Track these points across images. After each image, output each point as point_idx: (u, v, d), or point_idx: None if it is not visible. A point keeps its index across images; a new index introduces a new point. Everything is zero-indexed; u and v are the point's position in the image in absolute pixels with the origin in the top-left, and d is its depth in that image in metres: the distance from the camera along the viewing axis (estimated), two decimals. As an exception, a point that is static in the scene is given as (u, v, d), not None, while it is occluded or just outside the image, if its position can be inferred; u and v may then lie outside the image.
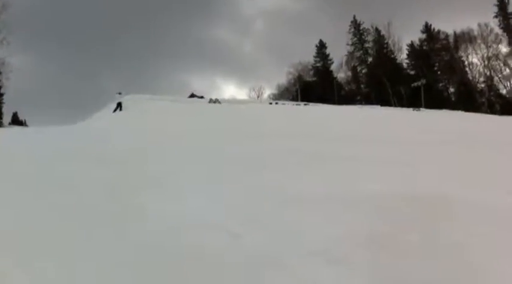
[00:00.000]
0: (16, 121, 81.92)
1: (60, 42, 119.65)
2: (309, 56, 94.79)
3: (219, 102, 42.46)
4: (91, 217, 5.33)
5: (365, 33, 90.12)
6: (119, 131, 18.21)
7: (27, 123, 79.18)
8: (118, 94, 35.68)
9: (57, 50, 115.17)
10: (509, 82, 75.73)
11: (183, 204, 6.01)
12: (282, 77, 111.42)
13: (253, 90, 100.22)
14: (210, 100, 44.25)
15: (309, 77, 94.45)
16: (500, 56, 76.16)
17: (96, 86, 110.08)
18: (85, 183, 7.29)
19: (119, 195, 6.51)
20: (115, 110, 32.98)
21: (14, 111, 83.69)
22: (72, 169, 8.48)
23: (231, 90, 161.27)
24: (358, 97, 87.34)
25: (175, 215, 5.45)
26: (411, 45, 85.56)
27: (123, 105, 33.49)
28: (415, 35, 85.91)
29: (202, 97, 52.17)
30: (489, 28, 76.92)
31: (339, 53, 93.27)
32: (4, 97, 62.24)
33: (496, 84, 77.77)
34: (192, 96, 53.57)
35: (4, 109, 64.86)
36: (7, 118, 71.51)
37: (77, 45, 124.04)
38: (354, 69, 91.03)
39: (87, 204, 5.92)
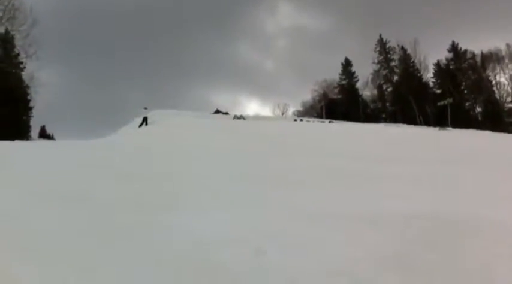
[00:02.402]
0: (44, 135, 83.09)
1: (86, 57, 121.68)
2: (333, 74, 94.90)
3: (244, 119, 42.63)
4: (116, 232, 5.39)
5: (391, 52, 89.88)
6: (145, 147, 18.38)
7: (55, 136, 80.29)
8: (144, 109, 36.06)
9: (83, 65, 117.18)
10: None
11: (209, 220, 6.05)
12: (306, 94, 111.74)
13: (278, 106, 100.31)
14: (235, 117, 44.48)
15: (334, 95, 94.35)
16: (528, 76, 75.18)
17: (121, 100, 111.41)
18: (110, 199, 7.36)
19: (145, 210, 6.58)
20: (141, 125, 33.31)
21: (42, 124, 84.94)
22: (98, 185, 8.58)
23: (253, 106, 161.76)
24: (384, 116, 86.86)
25: (200, 231, 5.48)
26: (437, 64, 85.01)
27: (149, 120, 33.82)
28: (442, 54, 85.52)
29: (227, 113, 52.41)
30: (517, 48, 76.04)
31: (364, 71, 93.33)
32: (33, 111, 63.26)
33: (525, 104, 76.72)
34: (217, 112, 53.82)
35: (32, 123, 65.90)
36: (35, 132, 72.58)
37: (103, 60, 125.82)
38: (379, 87, 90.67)
39: (111, 220, 5.99)
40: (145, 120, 33.83)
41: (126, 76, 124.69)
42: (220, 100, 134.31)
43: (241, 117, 43.79)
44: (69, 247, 4.77)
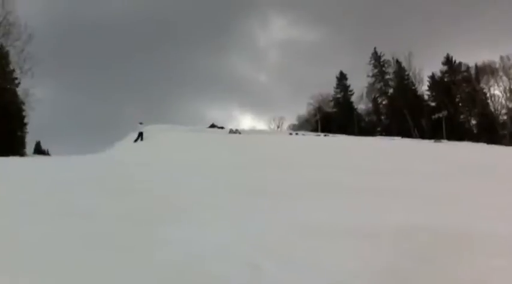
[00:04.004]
0: (39, 150, 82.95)
1: (81, 72, 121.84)
2: (329, 87, 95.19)
3: (239, 133, 42.68)
4: (114, 246, 5.38)
5: (385, 65, 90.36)
6: (141, 162, 18.36)
7: (50, 152, 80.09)
8: (139, 124, 36.01)
9: (78, 80, 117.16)
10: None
11: (206, 233, 6.05)
12: (302, 108, 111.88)
13: (273, 120, 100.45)
14: (231, 131, 44.54)
15: (329, 108, 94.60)
16: (523, 89, 75.63)
17: (116, 115, 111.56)
18: (107, 214, 7.35)
19: (142, 225, 6.57)
20: (136, 140, 33.29)
21: (37, 140, 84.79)
22: (95, 200, 8.56)
23: (248, 120, 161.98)
24: (379, 129, 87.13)
25: (198, 245, 5.47)
26: (432, 77, 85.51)
27: (144, 135, 33.80)
28: (436, 67, 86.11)
29: (222, 127, 52.46)
30: (511, 61, 76.57)
31: (359, 84, 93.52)
32: (28, 127, 63.16)
33: (519, 116, 77.11)
34: (213, 126, 53.93)
35: (28, 139, 65.79)
36: (30, 147, 72.40)
37: (98, 75, 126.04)
38: (374, 100, 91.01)
39: (109, 233, 5.98)
40: (140, 134, 33.81)
41: (121, 90, 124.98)
42: (215, 114, 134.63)
43: (236, 131, 43.86)
44: (64, 261, 4.74)
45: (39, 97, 59.27)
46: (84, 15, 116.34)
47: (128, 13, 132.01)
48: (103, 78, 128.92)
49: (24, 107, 59.53)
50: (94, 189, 10.01)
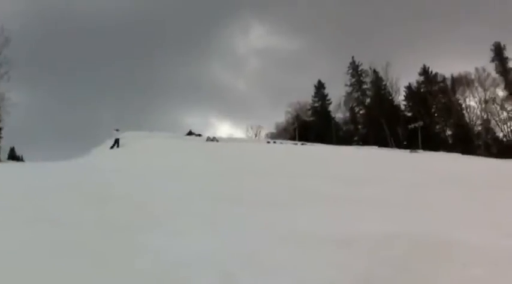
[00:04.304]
0: (13, 156, 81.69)
1: (57, 77, 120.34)
2: (307, 96, 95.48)
3: (217, 140, 42.57)
4: (91, 254, 5.30)
5: (363, 75, 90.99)
6: (117, 169, 18.16)
7: (24, 158, 78.92)
8: (115, 131, 35.61)
9: (54, 85, 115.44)
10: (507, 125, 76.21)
11: (183, 242, 5.98)
12: (280, 116, 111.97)
13: (251, 128, 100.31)
14: (208, 139, 44.38)
15: (307, 117, 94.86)
16: (497, 100, 76.83)
17: (93, 121, 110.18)
18: (83, 221, 7.24)
19: (119, 232, 6.48)
20: (112, 147, 32.98)
21: (11, 146, 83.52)
22: (70, 208, 8.42)
23: (226, 128, 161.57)
24: (356, 138, 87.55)
25: (174, 252, 5.41)
26: (409, 87, 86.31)
27: (120, 142, 33.51)
28: (413, 77, 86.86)
29: (200, 135, 52.27)
30: (486, 72, 77.79)
31: (336, 93, 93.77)
32: (2, 132, 62.14)
33: (493, 127, 78.30)
34: (190, 133, 53.66)
35: (1, 144, 64.71)
36: (4, 153, 71.21)
37: (74, 80, 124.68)
38: (352, 109, 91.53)
39: (86, 241, 5.89)
40: (117, 141, 33.48)
41: (98, 97, 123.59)
42: (194, 121, 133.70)
43: (214, 139, 43.71)
44: (39, 269, 4.65)
45: (14, 102, 58.23)
46: (61, 19, 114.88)
47: (107, 18, 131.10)
48: (79, 84, 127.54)
49: (-1, 111, 58.58)
50: (70, 195, 9.84)
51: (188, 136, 49.28)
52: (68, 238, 5.98)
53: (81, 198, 9.41)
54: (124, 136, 35.25)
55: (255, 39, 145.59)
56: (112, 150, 31.66)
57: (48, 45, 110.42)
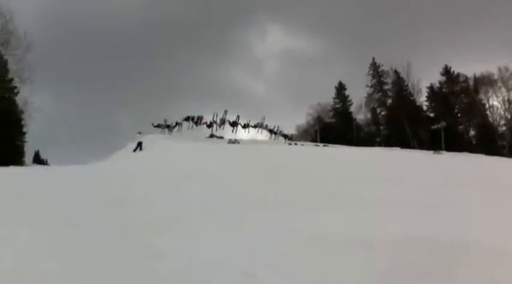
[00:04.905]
0: (38, 160, 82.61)
1: (80, 81, 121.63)
2: (328, 97, 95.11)
3: (238, 143, 42.62)
4: (110, 255, 5.38)
5: (384, 75, 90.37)
6: (139, 171, 18.34)
7: (49, 162, 79.78)
8: (138, 134, 35.99)
9: (77, 89, 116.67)
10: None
11: (202, 243, 6.04)
12: (301, 118, 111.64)
13: (272, 130, 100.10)
14: (230, 141, 44.46)
15: (328, 118, 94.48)
16: (521, 99, 75.73)
17: (115, 124, 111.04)
18: (105, 224, 7.35)
19: (138, 235, 6.56)
20: (135, 150, 33.25)
21: (36, 149, 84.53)
22: (95, 210, 8.56)
23: (247, 130, 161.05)
24: (378, 139, 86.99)
25: (193, 254, 5.47)
26: (430, 88, 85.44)
27: (143, 145, 33.78)
28: (435, 78, 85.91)
29: (221, 137, 52.35)
30: (509, 71, 76.69)
31: (357, 94, 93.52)
32: (26, 136, 62.96)
33: (518, 127, 77.17)
34: (212, 136, 53.76)
35: (26, 148, 65.51)
36: (29, 157, 72.10)
37: (97, 84, 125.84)
38: (373, 110, 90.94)
39: (105, 244, 5.97)
40: (139, 144, 33.76)
41: (120, 100, 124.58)
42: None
43: (235, 141, 43.76)
44: (67, 269, 4.75)
45: (38, 106, 58.96)
46: (84, 24, 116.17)
47: (127, 20, 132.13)
48: (103, 88, 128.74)
49: (23, 116, 59.35)
50: (94, 199, 9.99)
51: (210, 139, 49.40)
52: (88, 241, 6.07)
53: (104, 202, 9.53)
54: (146, 139, 35.53)
55: (273, 41, 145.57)
56: (135, 153, 31.93)
57: (67, 49, 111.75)
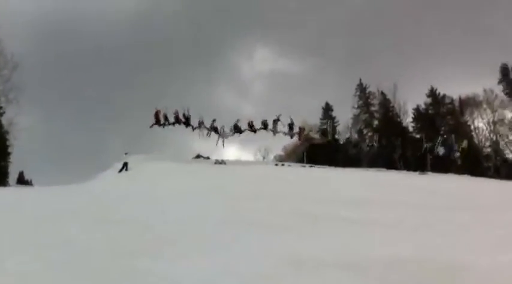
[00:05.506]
0: (22, 181, 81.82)
1: (65, 101, 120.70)
2: (314, 118, 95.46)
3: (225, 163, 42.51)
4: (96, 277, 5.30)
5: (371, 97, 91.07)
6: (125, 192, 18.18)
7: (33, 182, 79.03)
8: (125, 155, 35.84)
9: (62, 109, 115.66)
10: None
11: (185, 267, 5.95)
12: (287, 139, 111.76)
13: (259, 151, 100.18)
14: (216, 162, 44.34)
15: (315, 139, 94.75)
16: (506, 121, 76.65)
17: (100, 145, 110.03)
18: (91, 245, 7.26)
19: (123, 256, 6.47)
20: (121, 170, 33.06)
21: (20, 170, 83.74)
22: (78, 231, 8.45)
23: (233, 151, 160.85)
24: (365, 160, 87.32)
25: (177, 276, 5.39)
26: (417, 109, 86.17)
27: (129, 165, 33.60)
28: (421, 99, 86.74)
29: (208, 158, 52.23)
30: (494, 93, 77.75)
31: (344, 116, 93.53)
32: (11, 156, 62.45)
33: (502, 148, 77.93)
34: (198, 156, 53.63)
35: (11, 169, 64.95)
36: (13, 178, 71.39)
37: (83, 103, 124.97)
38: (360, 131, 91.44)
39: (91, 265, 5.89)
40: (125, 165, 33.57)
41: (105, 120, 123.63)
42: (201, 144, 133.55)
43: (222, 162, 43.59)
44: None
45: (23, 127, 58.62)
46: (69, 43, 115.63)
47: (110, 42, 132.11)
48: (88, 108, 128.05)
49: (7, 136, 58.97)
50: (78, 220, 9.88)
51: (196, 159, 49.29)
52: (73, 262, 5.98)
53: (87, 222, 9.44)
54: (132, 160, 35.34)
55: (260, 62, 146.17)
56: (120, 174, 31.74)
57: (54, 68, 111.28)
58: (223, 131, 43.90)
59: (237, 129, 46.51)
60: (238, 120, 46.02)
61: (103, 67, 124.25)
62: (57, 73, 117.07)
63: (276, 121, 47.33)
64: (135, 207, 12.80)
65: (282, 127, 48.43)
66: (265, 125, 46.95)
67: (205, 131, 45.33)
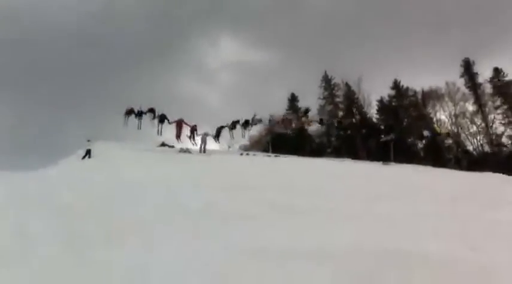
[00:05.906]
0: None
1: (25, 84, 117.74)
2: (280, 109, 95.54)
3: (190, 152, 42.31)
4: (53, 267, 5.21)
5: (336, 88, 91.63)
6: (88, 180, 17.88)
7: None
8: (87, 142, 35.35)
9: (21, 93, 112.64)
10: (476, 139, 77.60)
11: (149, 258, 5.90)
12: (253, 129, 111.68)
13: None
14: (181, 150, 44.06)
15: (281, 129, 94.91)
16: (467, 114, 78.28)
17: (61, 132, 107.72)
18: (49, 234, 7.11)
19: (84, 246, 6.37)
20: (84, 157, 32.65)
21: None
22: (35, 220, 8.26)
23: (198, 140, 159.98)
24: (329, 150, 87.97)
25: (140, 270, 5.34)
26: (380, 101, 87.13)
27: (92, 153, 33.18)
28: (385, 91, 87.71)
29: (173, 146, 51.77)
30: (456, 87, 79.25)
31: (309, 106, 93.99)
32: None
33: (463, 140, 79.61)
34: (163, 145, 53.16)
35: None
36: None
37: (43, 88, 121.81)
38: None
39: (49, 255, 5.78)
40: (88, 152, 33.14)
41: (66, 107, 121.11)
42: (168, 134, 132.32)
43: (187, 151, 43.38)
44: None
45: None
46: (28, 26, 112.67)
47: (72, 28, 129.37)
48: (50, 93, 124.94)
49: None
50: (32, 207, 9.65)
51: (161, 148, 48.84)
52: (26, 253, 5.87)
53: (46, 211, 9.22)
54: (96, 147, 34.90)
55: (226, 52, 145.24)
56: (83, 161, 31.32)
57: (9, 53, 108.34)
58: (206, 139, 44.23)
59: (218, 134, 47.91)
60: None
61: (65, 54, 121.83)
62: (16, 55, 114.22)
63: (248, 122, 48.77)
64: (96, 195, 12.56)
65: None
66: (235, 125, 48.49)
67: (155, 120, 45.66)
